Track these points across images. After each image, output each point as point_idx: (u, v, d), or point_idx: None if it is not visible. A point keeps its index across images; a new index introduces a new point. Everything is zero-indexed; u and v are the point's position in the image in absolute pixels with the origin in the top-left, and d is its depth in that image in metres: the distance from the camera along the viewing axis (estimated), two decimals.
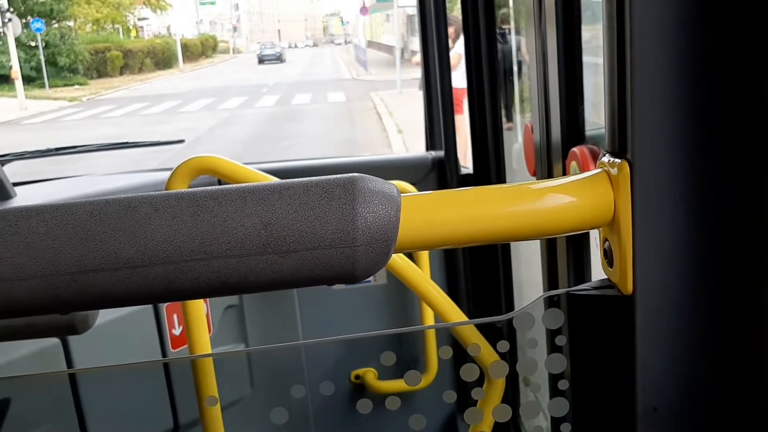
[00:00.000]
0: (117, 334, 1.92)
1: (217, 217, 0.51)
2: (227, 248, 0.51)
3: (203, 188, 0.53)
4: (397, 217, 0.53)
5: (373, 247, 0.52)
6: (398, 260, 1.63)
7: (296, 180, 0.53)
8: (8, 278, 0.49)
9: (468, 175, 2.25)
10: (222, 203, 0.51)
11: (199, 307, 1.65)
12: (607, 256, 0.61)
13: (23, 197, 1.99)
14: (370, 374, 2.35)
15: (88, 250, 0.50)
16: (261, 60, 44.57)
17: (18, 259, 0.49)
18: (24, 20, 29.90)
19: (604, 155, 0.60)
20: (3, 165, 2.05)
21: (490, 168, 2.09)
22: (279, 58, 44.73)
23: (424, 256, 2.20)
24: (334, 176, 0.53)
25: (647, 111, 0.55)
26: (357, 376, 2.36)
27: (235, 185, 0.53)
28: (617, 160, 0.58)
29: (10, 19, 22.64)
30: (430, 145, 2.44)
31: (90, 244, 0.50)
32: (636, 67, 0.55)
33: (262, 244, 0.51)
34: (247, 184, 0.53)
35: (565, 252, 1.27)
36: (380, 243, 0.52)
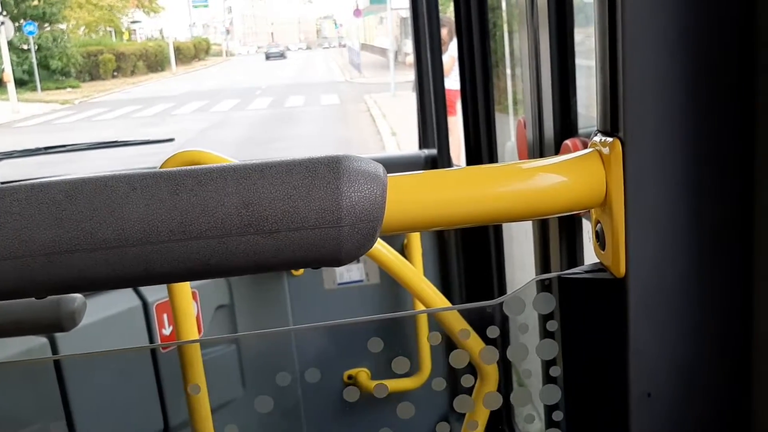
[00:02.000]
0: (106, 333, 1.90)
1: (197, 197, 0.49)
2: (207, 228, 0.49)
3: (183, 168, 0.51)
4: (384, 196, 0.52)
5: (359, 228, 0.51)
6: (390, 256, 1.62)
7: (279, 160, 0.52)
8: None
9: None
10: (202, 182, 0.50)
11: (189, 306, 1.63)
12: (599, 238, 0.60)
13: None
14: (363, 374, 2.34)
15: (64, 230, 0.48)
16: (268, 57, 58.69)
17: None
18: (16, 23, 29.82)
19: (596, 135, 0.59)
20: None
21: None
22: (282, 55, 59.47)
23: (417, 251, 2.20)
24: (318, 156, 0.52)
25: (639, 88, 0.54)
26: (350, 377, 2.35)
27: (215, 165, 0.51)
28: (609, 139, 0.56)
29: (2, 22, 22.59)
30: (423, 143, 2.44)
31: (65, 224, 0.48)
32: (627, 45, 0.54)
33: (243, 224, 0.49)
34: (228, 164, 0.52)
35: (557, 238, 1.26)
36: (366, 224, 0.51)
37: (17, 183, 0.50)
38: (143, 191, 0.49)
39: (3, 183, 1.99)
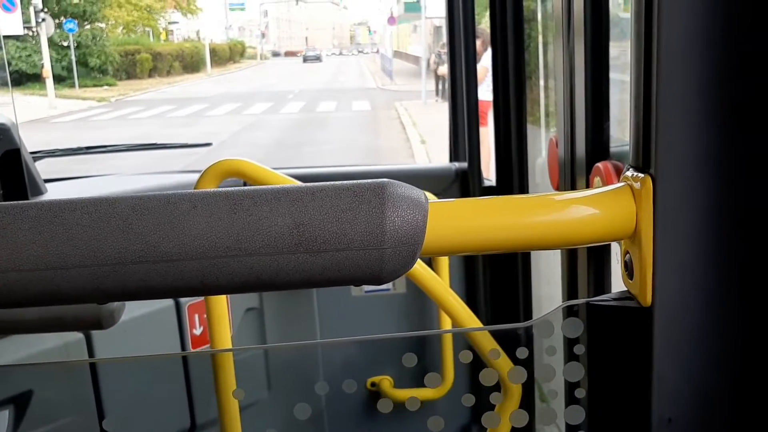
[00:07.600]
0: (139, 332, 1.95)
1: (253, 216, 0.53)
2: (261, 246, 0.53)
3: (239, 188, 0.55)
4: (425, 222, 0.55)
5: (400, 251, 0.54)
6: (418, 268, 1.64)
7: (328, 183, 0.55)
8: (53, 267, 0.52)
9: (491, 187, 2.26)
10: (257, 203, 0.53)
11: (223, 311, 1.67)
12: (628, 268, 0.62)
13: (54, 194, 2.04)
14: (386, 382, 2.37)
15: (129, 242, 0.52)
16: (305, 59, 63.41)
17: (62, 249, 0.52)
18: (57, 20, 30.41)
19: (628, 169, 0.62)
20: (35, 162, 2.10)
21: (513, 180, 2.10)
22: (318, 58, 63.97)
23: (444, 264, 2.21)
24: (365, 181, 0.55)
25: (672, 126, 0.56)
26: (373, 384, 2.38)
27: (269, 186, 0.55)
28: (640, 175, 0.59)
29: (43, 19, 23.04)
30: (454, 156, 2.45)
31: (131, 236, 0.52)
32: (662, 83, 0.56)
33: (294, 243, 0.53)
34: (281, 185, 0.55)
35: (585, 264, 1.28)
36: (407, 247, 0.54)
37: (87, 197, 0.54)
38: (203, 209, 0.53)
39: (45, 180, 2.04)
